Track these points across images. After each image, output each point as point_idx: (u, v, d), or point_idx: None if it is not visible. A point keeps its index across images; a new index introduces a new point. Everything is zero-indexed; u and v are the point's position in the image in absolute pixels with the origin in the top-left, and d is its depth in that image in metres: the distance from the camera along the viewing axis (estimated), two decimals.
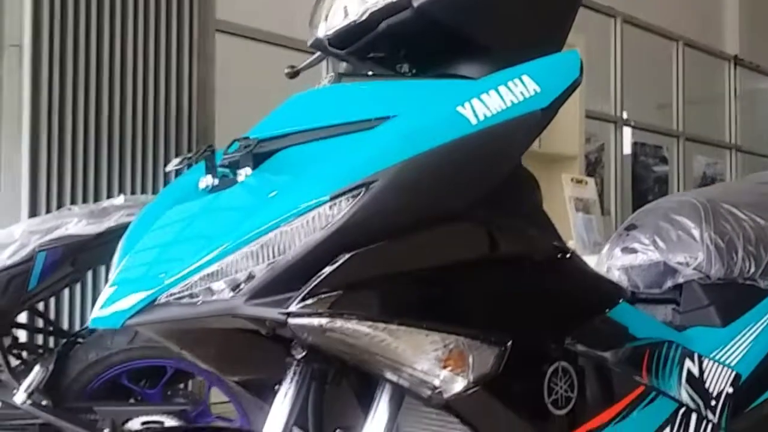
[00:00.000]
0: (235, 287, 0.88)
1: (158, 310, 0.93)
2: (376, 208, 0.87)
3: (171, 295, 0.92)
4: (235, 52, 4.31)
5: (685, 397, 1.20)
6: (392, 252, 0.88)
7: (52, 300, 3.47)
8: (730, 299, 1.44)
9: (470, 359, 0.91)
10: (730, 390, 1.30)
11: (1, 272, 2.75)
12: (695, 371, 1.26)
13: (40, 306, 3.21)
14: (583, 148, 5.64)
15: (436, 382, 0.91)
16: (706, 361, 1.31)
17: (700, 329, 1.41)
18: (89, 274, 3.57)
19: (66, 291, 3.50)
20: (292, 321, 0.86)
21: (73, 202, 3.56)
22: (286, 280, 0.87)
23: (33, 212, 3.46)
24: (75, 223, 2.70)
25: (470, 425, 0.94)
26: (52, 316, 3.53)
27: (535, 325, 0.99)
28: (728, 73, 7.77)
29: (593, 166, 6.30)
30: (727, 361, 1.35)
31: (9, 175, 3.53)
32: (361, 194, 0.86)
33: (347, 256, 0.86)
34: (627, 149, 6.74)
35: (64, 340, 3.08)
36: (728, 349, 1.37)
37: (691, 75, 7.16)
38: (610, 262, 1.54)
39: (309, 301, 0.85)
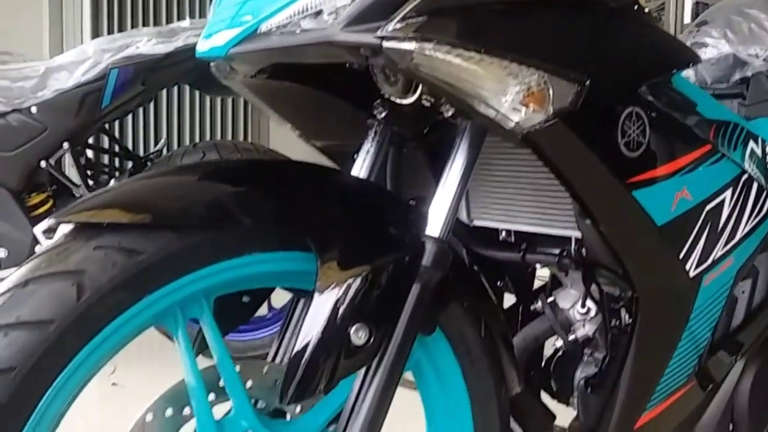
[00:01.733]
0: (333, 16, 0.94)
1: (259, 39, 1.00)
2: None
3: (272, 25, 0.98)
4: None
5: (748, 167, 1.25)
6: None
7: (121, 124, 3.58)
8: None
9: (550, 93, 0.96)
10: None
11: (76, 89, 2.85)
12: (758, 152, 1.31)
13: (111, 132, 3.33)
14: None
15: (517, 115, 0.97)
16: None
17: (765, 120, 1.45)
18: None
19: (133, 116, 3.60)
20: (386, 45, 0.92)
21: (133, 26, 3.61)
22: (380, 9, 0.93)
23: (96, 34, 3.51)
24: (145, 42, 2.76)
25: (545, 158, 1.00)
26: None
27: (612, 69, 1.03)
28: None
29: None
30: None
31: None
32: None
33: None
34: (687, 17, 6.56)
35: (134, 162, 3.21)
36: None
37: None
38: None
39: (401, 25, 0.91)
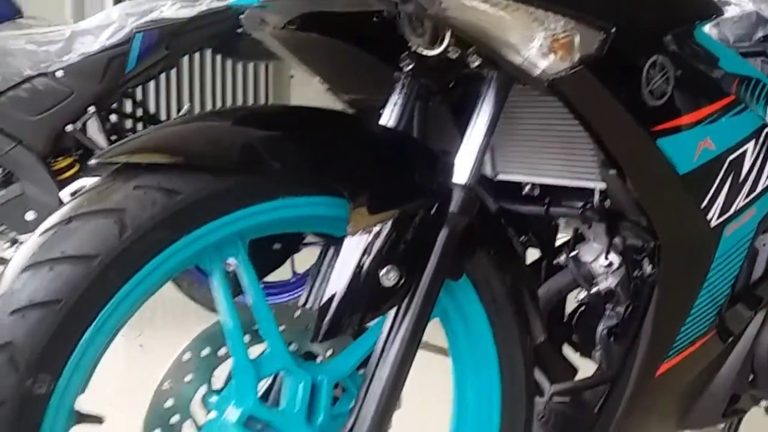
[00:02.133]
0: None
1: None
2: None
3: None
4: None
5: None
6: None
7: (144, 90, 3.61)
8: None
9: (576, 40, 0.98)
10: None
11: (101, 53, 2.88)
12: None
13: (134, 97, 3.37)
14: None
15: (544, 62, 0.99)
16: None
17: None
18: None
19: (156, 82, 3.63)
20: None
21: None
22: None
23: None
24: (169, 6, 2.79)
25: (571, 106, 1.02)
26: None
27: (637, 16, 1.05)
28: None
29: None
30: None
31: None
32: None
33: None
34: None
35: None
36: None
37: None
38: None
39: None
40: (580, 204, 1.27)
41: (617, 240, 1.25)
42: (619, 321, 1.27)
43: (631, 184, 1.10)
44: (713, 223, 1.17)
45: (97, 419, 0.99)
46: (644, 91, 1.04)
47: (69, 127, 3.04)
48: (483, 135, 1.10)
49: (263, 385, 1.14)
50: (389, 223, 1.01)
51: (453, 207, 1.07)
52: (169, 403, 1.05)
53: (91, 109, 3.02)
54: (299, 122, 1.10)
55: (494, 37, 0.98)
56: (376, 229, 1.01)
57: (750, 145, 1.20)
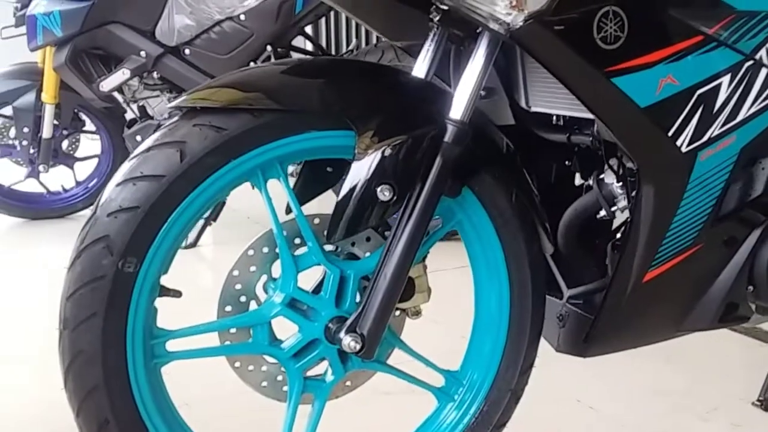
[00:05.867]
0: None
1: None
2: None
3: None
4: None
5: (762, 54, 1.37)
6: None
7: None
8: None
9: None
10: None
11: None
12: None
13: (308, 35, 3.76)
14: None
15: (508, 18, 1.21)
16: None
17: None
18: None
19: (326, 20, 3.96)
20: None
21: None
22: None
23: None
24: None
25: (530, 53, 1.23)
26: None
27: None
28: None
29: None
30: None
31: None
32: None
33: None
34: None
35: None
36: None
37: None
38: None
39: None
40: (589, 132, 1.47)
41: (614, 162, 1.44)
42: (621, 234, 1.47)
43: (598, 117, 1.30)
44: (684, 149, 1.34)
45: (177, 293, 1.37)
46: (596, 38, 1.22)
47: (252, 65, 3.49)
48: (475, 80, 1.32)
49: (318, 280, 1.46)
50: (387, 149, 1.28)
51: (447, 138, 1.32)
52: (238, 286, 1.41)
53: (269, 47, 3.45)
54: (332, 71, 1.39)
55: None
56: (375, 153, 1.28)
57: (725, 79, 1.33)
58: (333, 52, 3.93)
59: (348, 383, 1.51)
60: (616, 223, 1.59)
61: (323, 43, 3.84)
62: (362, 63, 1.41)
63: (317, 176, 1.47)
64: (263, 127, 1.30)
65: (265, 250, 1.42)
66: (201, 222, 3.55)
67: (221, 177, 1.30)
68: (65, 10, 3.42)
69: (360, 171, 1.30)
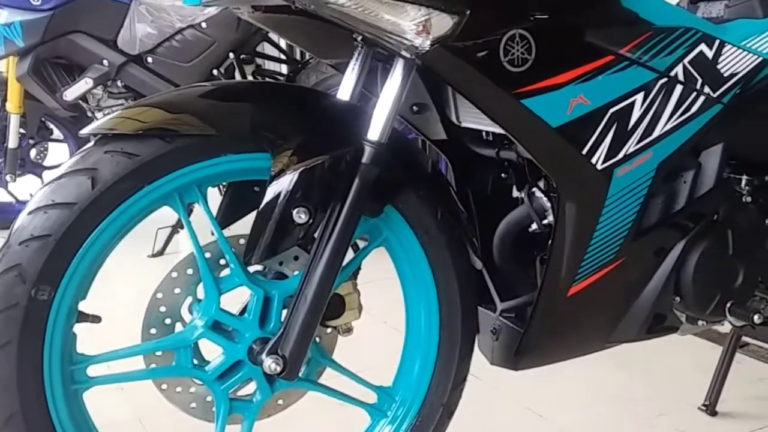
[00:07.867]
0: None
1: None
2: None
3: None
4: None
5: (678, 71, 1.37)
6: None
7: None
8: None
9: (432, 23, 1.18)
10: (746, 71, 1.44)
11: None
12: (709, 54, 1.41)
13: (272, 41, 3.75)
14: None
15: (417, 43, 1.20)
16: (728, 47, 1.44)
17: (740, 21, 1.53)
18: None
19: None
20: None
21: None
22: None
23: None
24: None
25: (440, 75, 1.23)
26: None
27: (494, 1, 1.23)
28: None
29: None
30: (757, 49, 1.48)
31: None
32: None
33: None
34: None
35: (292, 66, 3.62)
36: (762, 39, 1.49)
37: None
38: None
39: None
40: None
41: (541, 177, 1.44)
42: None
43: (512, 136, 1.29)
44: (600, 167, 1.33)
45: (96, 318, 1.37)
46: (503, 61, 1.22)
47: (215, 72, 3.49)
48: (392, 101, 1.31)
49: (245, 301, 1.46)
50: (302, 171, 1.28)
51: (365, 159, 1.32)
52: (163, 309, 1.41)
53: (231, 55, 3.44)
54: (251, 95, 1.39)
55: (376, 28, 1.20)
56: (291, 175, 1.28)
57: (638, 97, 1.33)
58: (298, 58, 3.93)
59: (280, 402, 1.51)
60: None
61: (287, 49, 3.83)
62: (285, 86, 1.41)
63: (244, 196, 1.47)
64: (177, 152, 1.30)
65: (190, 271, 1.41)
66: (168, 230, 3.55)
67: (136, 202, 1.30)
68: (26, 21, 3.41)
69: (275, 193, 1.29)
